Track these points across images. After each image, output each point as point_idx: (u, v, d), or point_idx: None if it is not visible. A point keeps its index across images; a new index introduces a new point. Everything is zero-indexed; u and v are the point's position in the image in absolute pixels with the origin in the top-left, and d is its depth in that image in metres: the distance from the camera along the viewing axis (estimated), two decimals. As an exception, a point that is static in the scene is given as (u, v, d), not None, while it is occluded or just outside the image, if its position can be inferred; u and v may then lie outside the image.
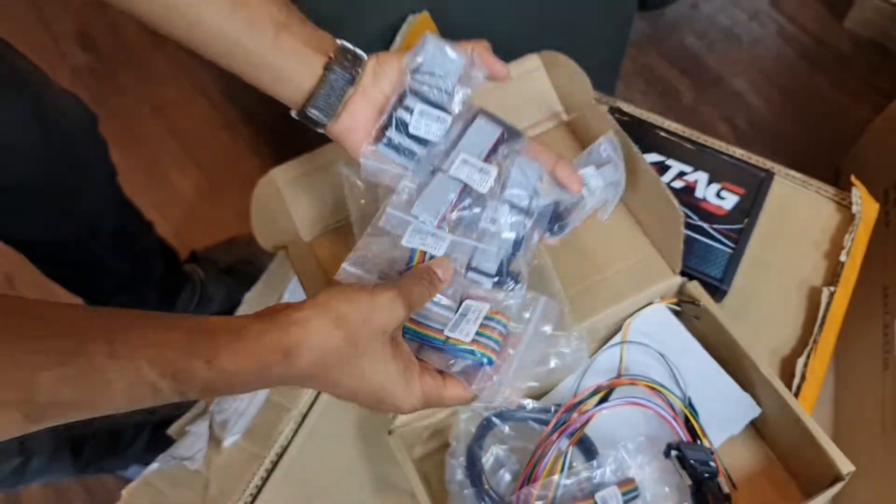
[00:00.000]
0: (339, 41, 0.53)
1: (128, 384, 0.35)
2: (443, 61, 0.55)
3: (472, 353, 0.49)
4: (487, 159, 0.54)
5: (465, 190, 0.53)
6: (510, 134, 0.56)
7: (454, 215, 0.54)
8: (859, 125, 1.21)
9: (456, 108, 0.55)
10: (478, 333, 0.50)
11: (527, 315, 0.53)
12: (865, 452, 0.92)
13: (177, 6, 0.49)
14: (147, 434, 0.98)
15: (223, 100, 1.43)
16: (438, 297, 0.51)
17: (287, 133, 1.37)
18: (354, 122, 0.54)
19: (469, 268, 0.53)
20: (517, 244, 0.54)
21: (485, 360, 0.50)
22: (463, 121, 0.56)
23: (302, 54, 0.52)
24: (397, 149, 0.54)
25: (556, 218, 0.56)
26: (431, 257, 0.52)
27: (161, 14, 0.49)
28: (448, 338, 0.49)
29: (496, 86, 0.66)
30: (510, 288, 0.54)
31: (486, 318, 0.51)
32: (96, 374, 0.34)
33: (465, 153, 0.54)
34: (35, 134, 0.72)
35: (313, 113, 0.53)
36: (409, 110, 0.53)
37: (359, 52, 0.54)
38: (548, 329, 0.53)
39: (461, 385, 0.49)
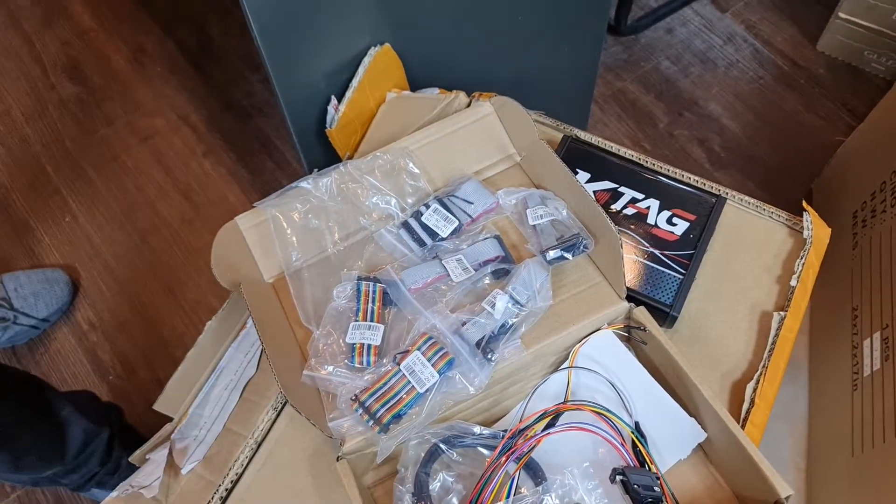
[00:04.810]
0: None
1: None
2: (478, 195, 0.72)
3: None
4: (477, 266, 0.68)
5: (444, 278, 0.67)
6: (506, 258, 0.69)
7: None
8: (833, 147, 1.22)
9: (472, 223, 0.71)
10: None
11: None
12: (836, 475, 0.92)
13: None
14: (101, 447, 0.96)
15: (205, 129, 1.46)
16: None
17: (263, 159, 1.41)
18: None
19: (456, 333, 0.63)
20: (504, 328, 0.64)
21: None
22: (480, 238, 0.70)
23: None
24: (411, 232, 0.71)
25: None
26: (369, 347, 0.63)
27: None
28: None
29: (458, 132, 0.78)
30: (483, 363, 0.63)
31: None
32: None
33: (463, 255, 0.69)
34: None
35: None
36: (427, 206, 0.72)
37: None
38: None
39: None
